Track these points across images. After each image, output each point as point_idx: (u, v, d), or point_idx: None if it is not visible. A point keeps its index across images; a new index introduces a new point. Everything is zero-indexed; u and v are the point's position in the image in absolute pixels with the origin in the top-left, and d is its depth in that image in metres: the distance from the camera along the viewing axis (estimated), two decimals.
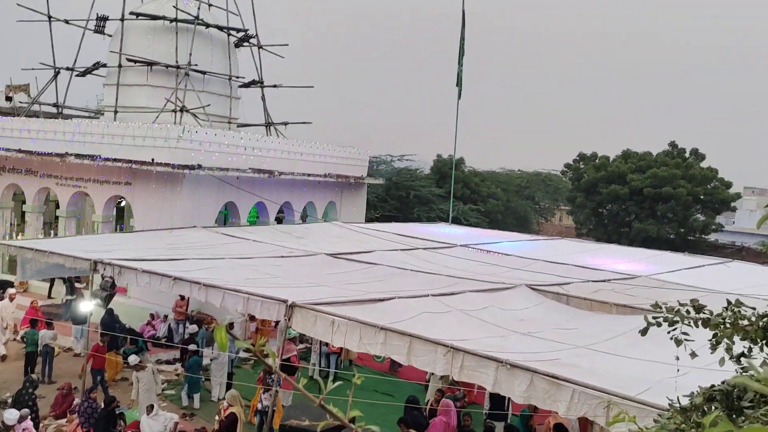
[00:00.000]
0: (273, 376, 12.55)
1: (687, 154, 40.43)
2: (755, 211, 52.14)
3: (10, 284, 19.91)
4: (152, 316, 17.98)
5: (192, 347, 15.06)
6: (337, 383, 1.67)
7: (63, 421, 12.61)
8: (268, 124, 26.87)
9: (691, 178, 37.54)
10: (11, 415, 10.50)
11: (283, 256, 14.73)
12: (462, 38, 28.22)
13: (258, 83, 26.57)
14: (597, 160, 41.43)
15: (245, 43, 26.23)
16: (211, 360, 15.37)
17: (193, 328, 16.58)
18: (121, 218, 23.00)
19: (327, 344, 14.36)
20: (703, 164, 39.75)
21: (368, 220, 29.56)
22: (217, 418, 12.14)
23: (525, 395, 7.84)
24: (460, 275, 13.74)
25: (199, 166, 19.00)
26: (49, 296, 20.88)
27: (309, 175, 23.99)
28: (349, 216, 26.58)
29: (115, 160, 19.54)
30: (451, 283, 12.78)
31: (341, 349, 14.51)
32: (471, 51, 28.95)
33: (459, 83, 28.04)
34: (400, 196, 36.82)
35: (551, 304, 12.10)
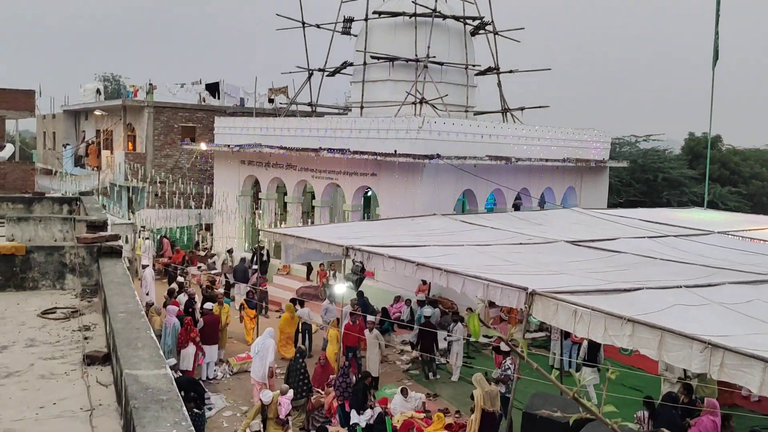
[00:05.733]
0: (509, 363, 12.57)
1: None
2: None
3: None
4: (396, 299, 18.95)
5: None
6: (591, 377, 1.63)
7: (322, 392, 13.83)
8: (505, 111, 26.77)
9: None
10: (265, 397, 11.56)
11: (521, 243, 14.63)
12: (717, 2, 25.50)
13: (494, 70, 26.58)
14: None
15: (481, 31, 26.38)
16: (448, 343, 15.81)
17: (427, 311, 17.06)
18: (368, 207, 24.56)
19: (568, 334, 14.00)
20: None
21: (611, 205, 28.17)
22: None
23: None
24: (717, 265, 12.53)
25: (438, 156, 19.56)
26: (308, 278, 23.03)
27: (546, 160, 23.51)
28: (590, 202, 25.55)
29: (361, 152, 20.88)
30: (708, 273, 11.71)
31: (583, 339, 14.03)
32: (727, 15, 26.06)
33: (715, 52, 25.39)
34: (646, 180, 34.47)
35: None
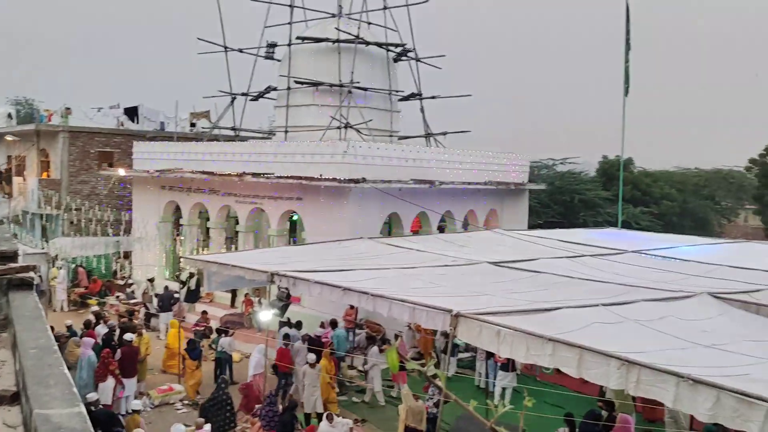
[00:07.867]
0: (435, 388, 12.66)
1: None
2: None
3: None
4: (322, 324, 18.76)
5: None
6: (507, 408, 1.66)
7: (246, 424, 13.50)
8: (428, 135, 27.23)
9: None
10: (177, 430, 11.13)
11: (446, 265, 14.81)
12: (627, 32, 26.95)
13: (417, 96, 27.04)
14: None
15: (403, 58, 26.82)
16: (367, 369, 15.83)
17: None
18: (293, 231, 24.33)
19: (492, 355, 14.23)
20: None
21: (531, 226, 28.95)
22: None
23: (710, 413, 7.26)
24: (632, 283, 13.04)
25: (364, 180, 19.66)
26: (232, 306, 22.55)
27: (469, 183, 24.00)
28: (511, 223, 26.18)
29: (286, 177, 20.74)
30: (623, 291, 12.17)
31: (508, 359, 14.30)
32: (638, 40, 27.54)
33: (626, 80, 26.77)
34: (564, 201, 35.68)
35: (738, 313, 11.13)
